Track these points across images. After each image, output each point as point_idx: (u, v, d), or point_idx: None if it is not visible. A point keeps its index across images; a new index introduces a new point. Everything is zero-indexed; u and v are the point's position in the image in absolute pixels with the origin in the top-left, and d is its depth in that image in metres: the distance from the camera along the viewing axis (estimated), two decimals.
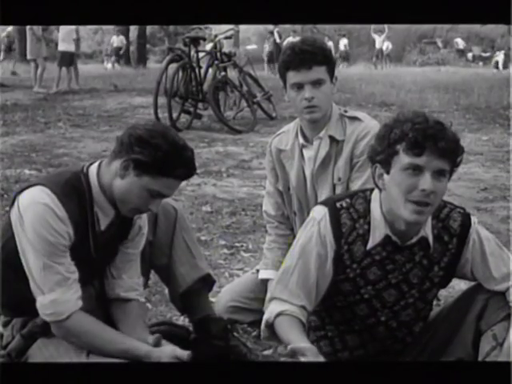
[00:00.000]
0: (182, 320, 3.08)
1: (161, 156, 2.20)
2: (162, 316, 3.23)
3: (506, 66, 23.26)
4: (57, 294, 2.23)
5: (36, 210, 2.21)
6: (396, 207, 2.13)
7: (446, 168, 2.09)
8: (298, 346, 2.04)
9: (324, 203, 2.32)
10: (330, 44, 23.84)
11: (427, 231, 2.23)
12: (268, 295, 2.37)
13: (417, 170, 2.06)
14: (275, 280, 2.36)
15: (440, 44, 34.59)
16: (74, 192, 2.29)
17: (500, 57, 24.38)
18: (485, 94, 13.54)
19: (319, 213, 2.27)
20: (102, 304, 2.53)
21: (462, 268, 2.30)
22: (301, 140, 2.98)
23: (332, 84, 2.90)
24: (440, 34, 35.88)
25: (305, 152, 2.98)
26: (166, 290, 2.96)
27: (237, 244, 4.48)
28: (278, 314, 2.22)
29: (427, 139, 2.04)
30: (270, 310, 2.26)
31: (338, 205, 2.26)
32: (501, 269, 2.26)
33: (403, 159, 2.07)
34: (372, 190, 2.28)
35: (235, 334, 2.83)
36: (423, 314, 2.39)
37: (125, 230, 2.48)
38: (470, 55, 29.83)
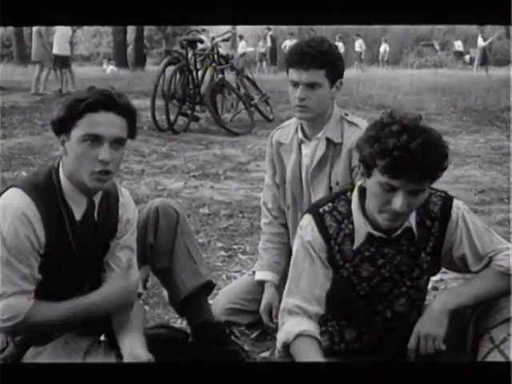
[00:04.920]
0: (180, 323, 3.08)
1: (67, 103, 2.23)
2: (160, 318, 3.22)
3: (482, 63, 23.29)
4: (9, 298, 2.22)
5: (5, 212, 2.23)
6: (373, 211, 2.21)
7: (423, 187, 2.12)
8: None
9: (308, 211, 2.38)
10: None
11: (411, 221, 2.27)
12: (281, 306, 2.36)
13: (391, 188, 2.10)
14: (286, 290, 2.36)
15: (437, 46, 34.63)
16: (46, 189, 2.29)
17: (476, 53, 24.43)
18: (482, 96, 13.58)
19: (305, 221, 2.34)
20: (97, 319, 2.50)
21: (448, 252, 2.33)
22: (300, 135, 2.99)
23: (333, 88, 2.88)
24: (437, 37, 35.94)
25: (303, 147, 3.00)
26: (164, 293, 2.96)
27: (234, 246, 4.48)
28: (297, 336, 2.22)
29: (404, 168, 2.04)
30: (288, 331, 2.25)
31: (320, 210, 2.32)
32: (488, 247, 2.30)
33: (379, 176, 2.10)
34: (352, 189, 2.33)
35: (233, 338, 2.82)
36: (417, 303, 2.41)
37: (111, 226, 2.44)
38: (467, 57, 29.87)
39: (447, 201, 2.32)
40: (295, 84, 2.84)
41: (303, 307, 2.27)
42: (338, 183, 2.87)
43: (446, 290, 2.33)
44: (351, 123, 2.91)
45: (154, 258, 2.66)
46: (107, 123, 2.21)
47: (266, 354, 2.88)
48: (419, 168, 2.04)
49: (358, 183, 2.32)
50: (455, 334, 2.31)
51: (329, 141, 2.91)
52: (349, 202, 2.31)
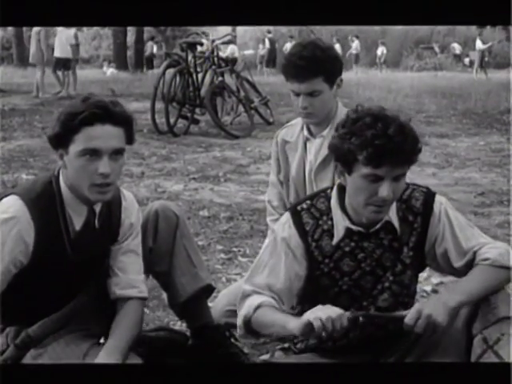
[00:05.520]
0: (180, 325, 3.08)
1: (61, 118, 2.21)
2: (160, 321, 3.22)
3: (481, 66, 23.46)
4: None
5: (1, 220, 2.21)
6: (357, 207, 2.23)
7: (404, 171, 2.18)
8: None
9: (288, 209, 2.44)
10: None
11: (391, 215, 2.29)
12: (239, 295, 2.37)
13: (376, 178, 2.14)
14: (245, 279, 2.40)
15: (437, 49, 34.60)
16: (45, 197, 2.28)
17: (475, 55, 24.56)
18: (482, 98, 13.58)
19: (284, 218, 2.38)
20: (99, 312, 2.49)
21: (432, 248, 2.33)
22: (305, 133, 3.03)
23: (334, 87, 2.91)
24: (437, 39, 35.93)
25: (308, 145, 3.03)
26: (164, 295, 2.96)
27: (234, 249, 4.48)
28: (258, 307, 2.25)
29: (386, 155, 2.10)
30: (248, 305, 2.28)
31: (298, 208, 2.37)
32: (471, 241, 2.30)
33: (362, 168, 2.14)
34: (332, 187, 2.36)
35: (233, 340, 2.82)
36: (401, 299, 2.39)
37: (113, 230, 2.43)
38: (466, 60, 29.86)
39: (429, 196, 2.34)
40: (296, 94, 2.87)
41: (258, 291, 2.30)
42: None
43: (442, 292, 2.30)
44: None
45: (154, 261, 2.64)
46: (105, 136, 2.19)
47: (265, 357, 2.88)
48: (400, 152, 2.10)
49: (337, 181, 2.34)
50: (447, 335, 2.31)
51: None
52: (328, 198, 2.34)
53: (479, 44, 23.64)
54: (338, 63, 2.92)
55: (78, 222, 2.34)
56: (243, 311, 2.29)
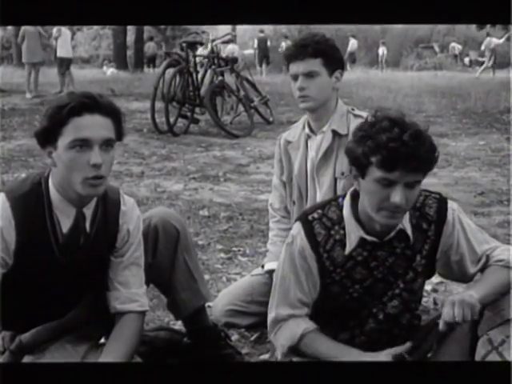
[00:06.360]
0: (180, 325, 3.07)
1: (48, 112, 2.15)
2: (160, 321, 3.22)
3: (495, 62, 23.50)
4: None
5: None
6: (370, 211, 2.19)
7: (418, 179, 2.13)
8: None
9: (298, 219, 2.39)
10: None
11: (405, 224, 2.27)
12: (272, 317, 2.38)
13: (389, 183, 2.10)
14: (272, 305, 2.38)
15: (437, 49, 34.66)
16: (32, 197, 2.23)
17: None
18: (482, 98, 13.59)
19: (295, 229, 2.35)
20: (98, 316, 2.43)
21: (444, 255, 2.33)
22: (307, 130, 3.07)
23: (333, 78, 2.97)
24: (437, 39, 35.97)
25: (309, 142, 3.07)
26: None
27: (234, 248, 4.48)
28: (302, 336, 2.29)
29: (400, 159, 2.06)
30: (289, 336, 2.31)
31: (309, 217, 2.32)
32: (484, 245, 2.33)
33: (376, 172, 2.10)
34: (344, 196, 2.33)
35: (228, 341, 2.82)
36: (410, 305, 2.40)
37: (109, 235, 2.35)
38: (466, 60, 29.90)
39: (442, 203, 2.33)
40: (295, 77, 2.95)
41: (293, 313, 2.33)
42: (343, 173, 2.92)
43: (461, 291, 2.31)
44: (357, 116, 2.98)
45: (153, 275, 2.59)
46: (94, 125, 2.12)
47: (265, 356, 2.87)
48: (414, 157, 2.06)
49: (350, 189, 2.32)
50: (453, 335, 2.31)
51: (335, 133, 2.98)
52: (340, 207, 2.31)
53: (494, 40, 23.44)
54: (338, 53, 3.00)
55: (65, 225, 2.27)
56: (285, 342, 2.32)
